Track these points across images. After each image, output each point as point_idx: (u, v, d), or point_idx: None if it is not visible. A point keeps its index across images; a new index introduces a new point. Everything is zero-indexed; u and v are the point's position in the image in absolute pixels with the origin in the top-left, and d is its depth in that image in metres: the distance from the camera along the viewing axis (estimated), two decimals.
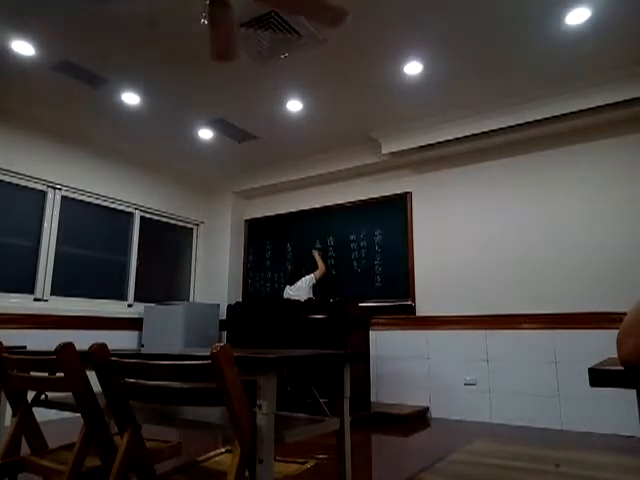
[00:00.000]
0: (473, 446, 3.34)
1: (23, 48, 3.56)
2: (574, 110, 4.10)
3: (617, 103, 3.95)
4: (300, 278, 5.36)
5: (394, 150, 5.00)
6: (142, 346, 5.42)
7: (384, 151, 5.07)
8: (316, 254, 5.58)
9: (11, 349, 1.71)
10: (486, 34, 3.41)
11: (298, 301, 4.91)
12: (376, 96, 4.30)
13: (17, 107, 4.50)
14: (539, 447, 3.37)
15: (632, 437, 3.72)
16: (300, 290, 5.22)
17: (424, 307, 5.00)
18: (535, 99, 4.23)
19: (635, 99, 3.88)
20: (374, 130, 5.01)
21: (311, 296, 5.20)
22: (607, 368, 0.78)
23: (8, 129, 4.57)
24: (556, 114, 4.17)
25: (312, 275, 5.34)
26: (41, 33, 3.41)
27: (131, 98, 4.31)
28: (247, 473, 1.14)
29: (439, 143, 4.79)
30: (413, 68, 3.84)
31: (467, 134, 4.59)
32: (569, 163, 4.47)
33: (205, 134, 5.10)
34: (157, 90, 4.21)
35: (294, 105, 4.46)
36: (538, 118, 4.25)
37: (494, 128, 4.46)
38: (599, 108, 4.04)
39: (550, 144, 4.58)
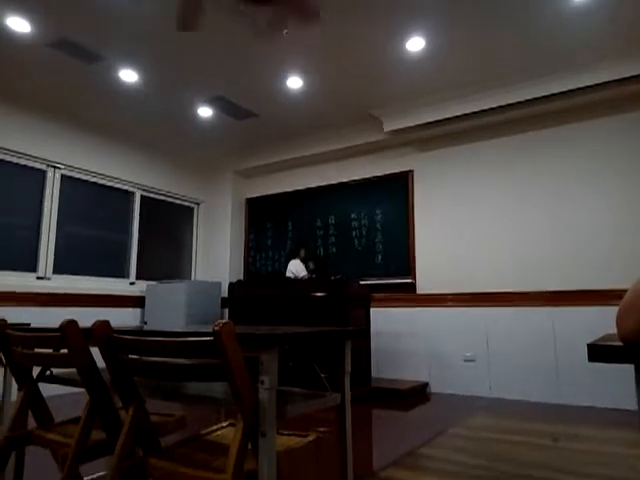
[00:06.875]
0: (472, 421, 3.40)
1: (19, 25, 3.50)
2: (581, 86, 4.04)
3: (624, 79, 3.90)
4: (297, 256, 5.35)
5: (395, 128, 4.95)
6: (145, 323, 5.47)
7: (385, 129, 5.02)
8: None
9: (15, 326, 1.73)
10: (490, 9, 3.34)
11: (299, 279, 4.92)
12: (377, 73, 4.24)
13: (15, 85, 4.44)
14: (538, 421, 3.42)
15: (630, 411, 3.78)
16: (292, 269, 5.23)
17: (425, 285, 5.02)
18: (540, 75, 4.17)
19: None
20: (375, 108, 4.95)
21: (306, 274, 5.20)
22: (606, 344, 0.79)
23: (6, 108, 4.53)
24: (561, 90, 4.12)
25: (305, 272, 5.22)
26: (37, 9, 3.34)
27: (129, 75, 4.26)
28: (250, 446, 1.16)
29: (441, 121, 4.74)
30: (415, 44, 3.77)
31: (469, 112, 4.54)
32: (572, 141, 4.43)
33: (205, 112, 5.04)
34: (156, 67, 4.15)
35: (294, 82, 4.40)
36: (543, 94, 4.20)
37: (495, 106, 4.41)
38: (605, 84, 3.99)
39: (553, 121, 4.53)
